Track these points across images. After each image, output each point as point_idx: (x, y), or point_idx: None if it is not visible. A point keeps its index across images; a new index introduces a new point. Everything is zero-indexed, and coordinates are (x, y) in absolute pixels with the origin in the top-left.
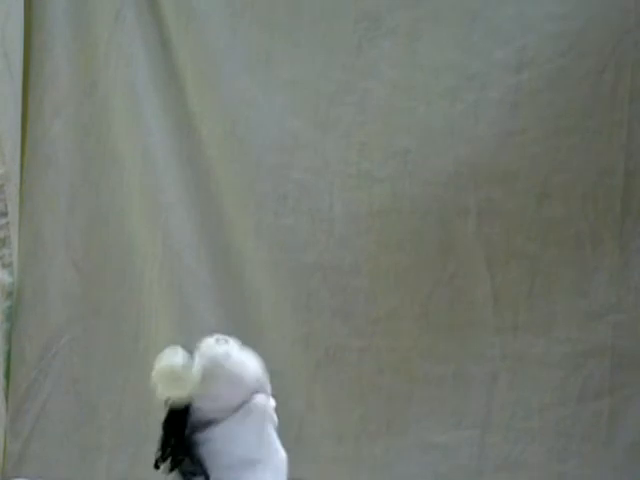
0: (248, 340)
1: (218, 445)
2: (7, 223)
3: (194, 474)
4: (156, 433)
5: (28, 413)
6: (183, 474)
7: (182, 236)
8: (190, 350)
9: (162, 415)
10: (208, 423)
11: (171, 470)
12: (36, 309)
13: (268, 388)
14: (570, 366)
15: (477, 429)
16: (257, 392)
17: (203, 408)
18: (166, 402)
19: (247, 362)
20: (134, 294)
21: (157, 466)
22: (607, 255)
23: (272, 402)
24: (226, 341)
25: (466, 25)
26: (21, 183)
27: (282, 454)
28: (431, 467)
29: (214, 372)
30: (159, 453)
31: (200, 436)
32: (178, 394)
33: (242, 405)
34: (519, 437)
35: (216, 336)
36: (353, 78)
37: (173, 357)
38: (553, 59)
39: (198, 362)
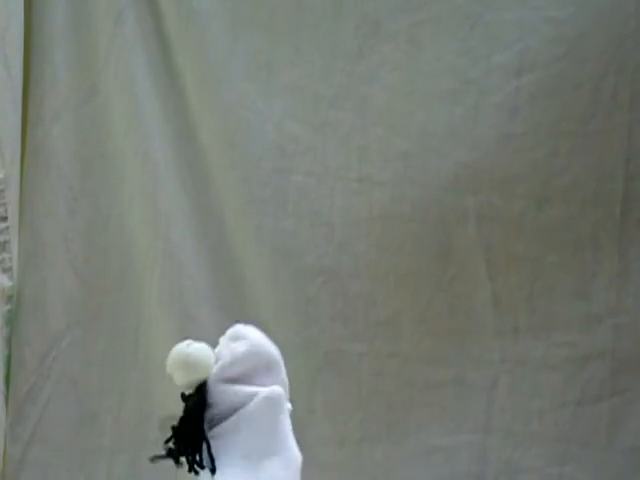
0: None
1: (230, 437)
2: (7, 227)
3: (202, 467)
4: (157, 437)
5: (28, 417)
6: (190, 464)
7: (182, 241)
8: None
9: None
10: (222, 418)
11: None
12: (36, 313)
13: (284, 380)
14: (570, 370)
15: (478, 433)
16: (274, 383)
17: (220, 392)
18: (185, 392)
19: (270, 345)
20: (134, 299)
21: (176, 459)
22: (607, 259)
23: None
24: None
25: (466, 30)
26: (21, 187)
27: (296, 452)
28: (432, 471)
29: (237, 340)
30: (176, 444)
31: (213, 430)
32: (193, 377)
33: (257, 393)
34: (519, 441)
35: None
36: (353, 82)
37: (183, 345)
38: (553, 63)
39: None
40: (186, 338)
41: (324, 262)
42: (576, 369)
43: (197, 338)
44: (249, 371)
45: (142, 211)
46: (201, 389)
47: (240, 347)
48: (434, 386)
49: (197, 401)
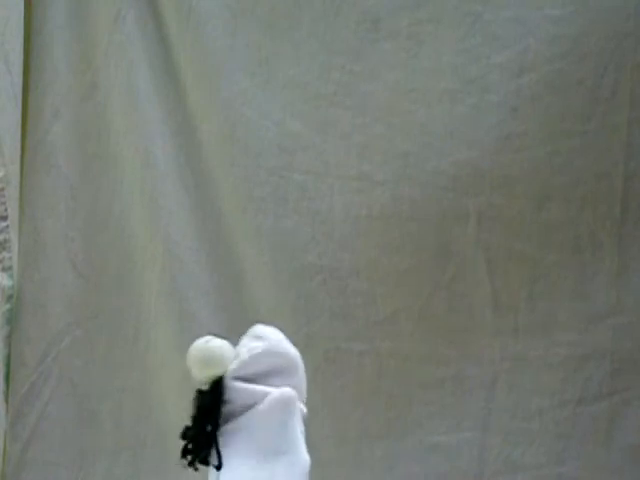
0: None
1: (240, 435)
2: (7, 226)
3: (207, 463)
4: (156, 436)
5: (28, 416)
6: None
7: (182, 239)
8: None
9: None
10: (233, 415)
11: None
12: (36, 313)
13: (299, 384)
14: (570, 369)
15: (477, 431)
16: (288, 384)
17: (234, 389)
18: (201, 387)
19: (289, 347)
20: (134, 298)
21: (191, 460)
22: (607, 258)
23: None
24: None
25: (466, 28)
26: (21, 186)
27: (305, 455)
28: (431, 469)
29: (257, 339)
30: (191, 442)
31: (224, 427)
32: (210, 372)
33: (269, 394)
34: (519, 439)
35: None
36: (353, 80)
37: (203, 340)
38: (553, 62)
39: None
40: (186, 337)
41: (324, 260)
42: (575, 368)
43: (197, 337)
44: (265, 371)
45: (142, 209)
46: (217, 385)
47: (258, 347)
48: (433, 384)
49: (213, 396)
